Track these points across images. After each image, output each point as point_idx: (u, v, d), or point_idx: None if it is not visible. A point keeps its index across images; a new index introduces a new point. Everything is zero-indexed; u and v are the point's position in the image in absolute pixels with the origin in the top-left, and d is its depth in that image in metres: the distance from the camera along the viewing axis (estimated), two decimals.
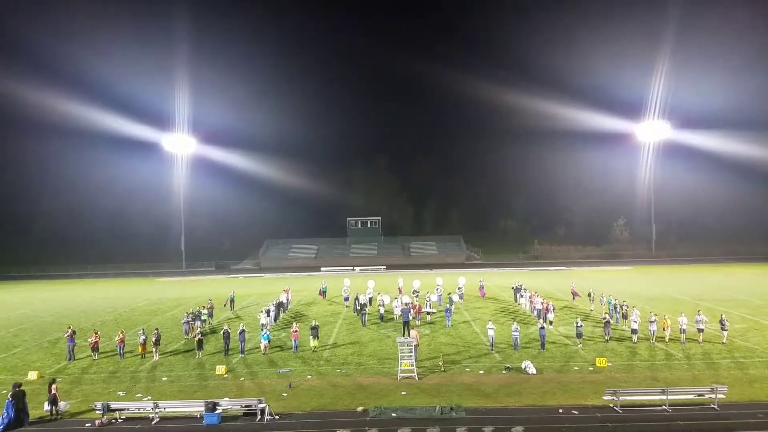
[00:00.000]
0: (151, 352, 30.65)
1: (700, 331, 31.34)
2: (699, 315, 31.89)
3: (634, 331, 31.65)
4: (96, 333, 31.90)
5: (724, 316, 32.67)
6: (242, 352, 30.79)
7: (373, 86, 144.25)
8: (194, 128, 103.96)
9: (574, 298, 46.00)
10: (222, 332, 31.54)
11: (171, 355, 31.22)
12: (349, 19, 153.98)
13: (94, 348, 30.86)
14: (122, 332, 31.91)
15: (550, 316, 36.32)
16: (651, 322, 31.60)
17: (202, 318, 38.55)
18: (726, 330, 31.39)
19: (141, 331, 31.69)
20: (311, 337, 31.66)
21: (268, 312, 38.25)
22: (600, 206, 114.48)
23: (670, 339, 31.50)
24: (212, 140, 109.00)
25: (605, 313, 35.21)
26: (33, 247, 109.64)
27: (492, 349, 30.27)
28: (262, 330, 32.92)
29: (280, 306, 42.92)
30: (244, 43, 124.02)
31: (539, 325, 31.86)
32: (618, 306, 36.92)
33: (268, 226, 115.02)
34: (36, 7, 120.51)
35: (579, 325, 31.56)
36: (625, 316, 35.46)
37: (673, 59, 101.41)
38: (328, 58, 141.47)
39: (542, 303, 38.38)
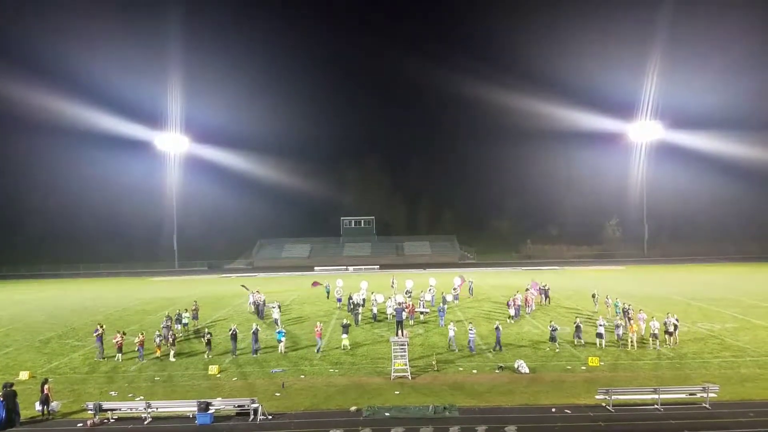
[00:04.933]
0: (168, 354, 30.33)
1: (669, 333, 30.64)
2: (668, 317, 31.24)
3: (599, 335, 30.52)
4: (122, 334, 30.90)
5: (675, 317, 31.59)
6: (255, 352, 30.62)
7: (367, 85, 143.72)
8: (187, 127, 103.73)
9: (546, 298, 45.34)
10: (230, 333, 31.21)
11: (164, 356, 30.96)
12: (343, 18, 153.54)
13: (119, 348, 30.16)
14: (142, 334, 31.46)
15: (511, 311, 37.75)
16: (617, 326, 31.26)
17: (184, 321, 37.46)
18: (670, 334, 30.66)
19: (156, 333, 31.56)
20: (343, 335, 31.73)
21: (279, 307, 39.56)
22: (592, 206, 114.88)
23: (639, 342, 30.57)
24: (205, 139, 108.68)
25: (618, 318, 33.52)
26: (24, 246, 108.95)
27: (454, 350, 30.28)
28: (276, 327, 33.23)
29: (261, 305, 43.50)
30: (237, 42, 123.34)
31: (495, 324, 31.70)
32: (626, 310, 35.03)
33: (261, 226, 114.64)
34: (27, 5, 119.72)
35: (553, 328, 31.13)
36: (630, 320, 33.40)
37: (664, 60, 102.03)
38: (321, 57, 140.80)
39: (513, 300, 39.77)
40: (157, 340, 30.69)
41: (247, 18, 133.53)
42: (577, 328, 31.32)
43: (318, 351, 30.78)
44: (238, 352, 30.74)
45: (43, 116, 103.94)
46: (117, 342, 30.17)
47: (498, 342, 30.43)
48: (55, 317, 45.42)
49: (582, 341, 30.98)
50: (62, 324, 41.97)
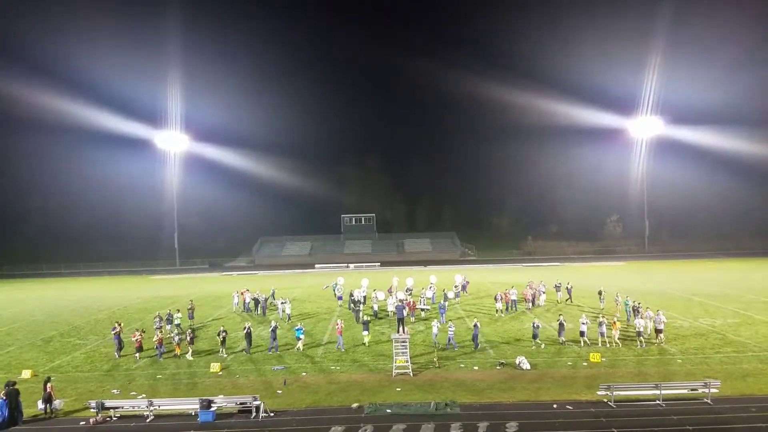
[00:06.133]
0: (187, 352, 30.18)
1: (659, 331, 30.30)
2: (658, 315, 30.86)
3: (582, 333, 30.29)
4: (141, 332, 30.90)
5: (663, 314, 31.22)
6: (274, 348, 30.59)
7: (367, 84, 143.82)
8: (187, 125, 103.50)
9: (569, 296, 44.57)
10: (244, 331, 31.03)
11: (182, 354, 30.53)
12: (343, 17, 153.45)
13: (139, 347, 30.13)
14: (161, 332, 31.61)
15: (498, 305, 38.94)
16: (600, 324, 30.41)
17: (176, 321, 36.65)
18: (660, 332, 30.38)
19: (175, 332, 31.50)
20: (364, 332, 31.88)
21: (289, 302, 40.83)
22: (593, 202, 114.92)
23: (620, 340, 30.20)
24: (205, 138, 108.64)
25: (601, 316, 32.39)
26: (25, 245, 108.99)
27: (436, 345, 30.47)
28: (284, 323, 33.20)
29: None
30: (238, 40, 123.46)
31: (473, 322, 31.73)
32: (636, 308, 34.09)
33: (261, 224, 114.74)
34: (27, 4, 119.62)
35: (536, 326, 30.88)
36: (641, 319, 32.09)
37: (665, 55, 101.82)
38: (321, 56, 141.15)
39: (502, 295, 40.40)
40: (176, 338, 30.58)
41: (248, 17, 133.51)
42: (561, 326, 30.99)
43: (339, 348, 30.69)
44: (250, 350, 30.60)
45: (43, 115, 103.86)
46: (136, 340, 30.15)
47: (474, 339, 30.48)
48: (57, 316, 45.49)
49: (564, 339, 30.68)
50: (64, 322, 42.06)
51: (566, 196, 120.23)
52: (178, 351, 30.44)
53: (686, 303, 42.75)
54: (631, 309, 35.09)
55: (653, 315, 31.52)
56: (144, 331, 31.63)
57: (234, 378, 26.34)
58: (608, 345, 29.93)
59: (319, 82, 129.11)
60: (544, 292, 43.98)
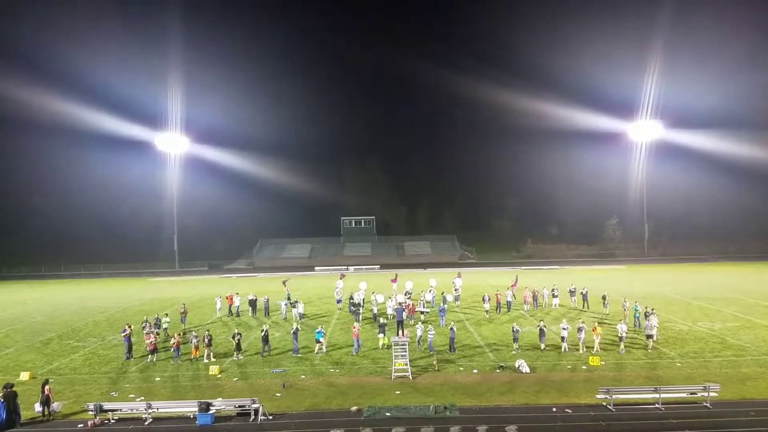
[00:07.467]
0: (203, 355, 29.96)
1: (649, 337, 29.98)
2: (648, 320, 30.48)
3: (563, 339, 29.77)
4: (155, 335, 31.18)
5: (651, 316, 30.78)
6: (296, 351, 30.47)
7: (367, 85, 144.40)
8: (187, 127, 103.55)
9: (585, 302, 42.81)
10: (262, 334, 30.92)
11: (200, 357, 30.21)
12: (343, 17, 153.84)
13: (153, 350, 30.12)
14: (178, 335, 31.69)
15: (486, 306, 40.16)
16: (579, 329, 29.95)
17: (163, 326, 36.02)
18: (650, 337, 30.01)
19: (193, 334, 31.47)
20: (380, 335, 31.83)
21: (298, 302, 41.19)
22: (592, 205, 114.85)
23: (601, 347, 29.50)
24: (205, 139, 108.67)
25: (580, 321, 31.98)
26: (25, 247, 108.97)
27: (419, 347, 30.43)
28: (294, 323, 33.65)
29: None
30: (238, 41, 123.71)
31: (450, 325, 31.74)
32: (648, 314, 32.09)
33: (261, 226, 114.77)
34: (27, 5, 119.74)
35: (515, 330, 30.60)
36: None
37: (665, 58, 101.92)
38: (321, 57, 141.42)
39: (489, 296, 41.00)
40: (194, 341, 30.50)
41: (248, 18, 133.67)
42: (541, 331, 30.40)
43: (355, 352, 30.47)
44: (264, 353, 30.52)
45: (43, 116, 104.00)
46: (151, 342, 30.10)
47: (451, 344, 30.36)
48: (56, 318, 45.40)
49: (544, 346, 30.09)
50: (63, 324, 41.99)
51: (566, 199, 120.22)
52: (195, 354, 30.21)
53: (686, 306, 42.71)
54: (642, 315, 34.07)
55: (658, 322, 31.15)
56: (158, 334, 31.60)
57: (233, 381, 26.29)
58: (584, 351, 29.34)
59: (319, 83, 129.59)
60: (556, 296, 43.30)
